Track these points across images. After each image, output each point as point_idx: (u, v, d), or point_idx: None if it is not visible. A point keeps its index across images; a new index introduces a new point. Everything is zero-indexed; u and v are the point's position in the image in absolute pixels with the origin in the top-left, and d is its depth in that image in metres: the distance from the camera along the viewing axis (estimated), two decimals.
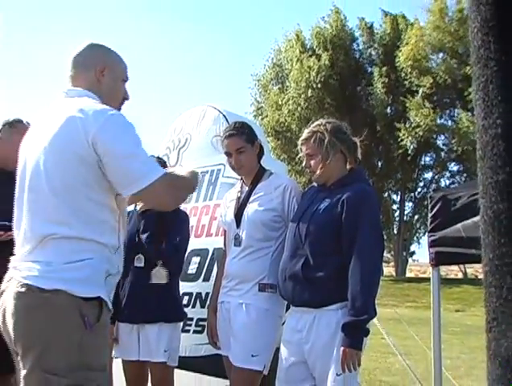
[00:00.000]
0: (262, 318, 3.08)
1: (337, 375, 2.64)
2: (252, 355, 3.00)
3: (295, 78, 34.17)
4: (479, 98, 0.97)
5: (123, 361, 3.57)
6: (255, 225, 3.14)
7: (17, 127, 3.58)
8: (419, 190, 36.31)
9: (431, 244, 3.51)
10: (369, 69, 35.53)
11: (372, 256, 2.72)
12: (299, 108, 33.81)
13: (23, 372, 1.99)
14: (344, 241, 2.73)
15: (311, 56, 34.19)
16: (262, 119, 35.99)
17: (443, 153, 34.22)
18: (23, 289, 2.00)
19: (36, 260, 2.04)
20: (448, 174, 35.71)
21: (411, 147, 30.91)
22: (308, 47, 35.74)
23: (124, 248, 3.56)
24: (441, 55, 31.87)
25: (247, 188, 3.29)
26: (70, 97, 2.26)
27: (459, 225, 3.44)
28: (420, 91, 30.80)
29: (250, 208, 3.18)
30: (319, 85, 33.20)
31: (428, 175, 36.83)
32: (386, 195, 36.07)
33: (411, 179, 35.86)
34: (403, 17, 34.97)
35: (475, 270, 34.04)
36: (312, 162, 2.96)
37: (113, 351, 3.58)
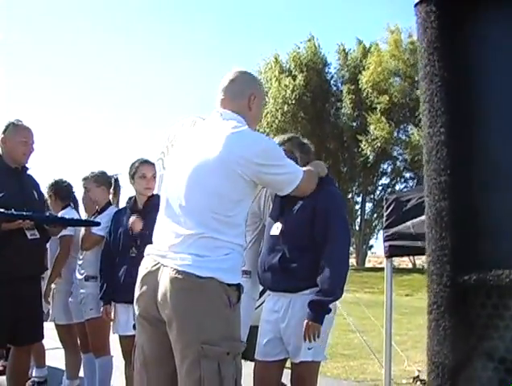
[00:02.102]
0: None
1: (309, 348, 2.68)
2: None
3: (274, 95, 34.20)
4: (425, 109, 0.96)
5: (120, 336, 3.52)
6: None
7: (19, 127, 3.53)
8: (377, 193, 36.41)
9: (386, 239, 3.51)
10: (338, 88, 35.69)
11: (341, 246, 2.75)
12: (276, 121, 33.84)
13: (179, 346, 2.11)
14: (317, 235, 2.72)
15: (287, 76, 34.32)
16: None
17: (398, 162, 34.42)
18: (180, 276, 2.11)
19: (189, 252, 2.15)
20: (402, 180, 35.87)
21: (371, 156, 31.11)
22: (285, 68, 35.80)
23: (121, 242, 3.54)
24: (396, 78, 32.15)
25: None
26: (225, 120, 2.32)
27: (409, 223, 3.45)
28: (379, 108, 31.02)
29: None
30: (294, 101, 33.36)
31: (385, 181, 36.97)
32: (349, 196, 36.17)
33: (371, 183, 36.04)
34: (377, 44, 35.09)
35: (423, 261, 34.28)
36: None
37: (111, 328, 3.53)
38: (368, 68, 31.68)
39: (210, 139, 2.25)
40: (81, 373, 4.40)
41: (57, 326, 4.46)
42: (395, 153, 33.60)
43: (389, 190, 36.01)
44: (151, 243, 3.30)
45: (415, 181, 34.30)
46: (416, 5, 1.00)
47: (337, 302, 2.88)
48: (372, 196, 37.26)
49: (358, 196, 37.66)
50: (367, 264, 37.56)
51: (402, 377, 5.54)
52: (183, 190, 2.24)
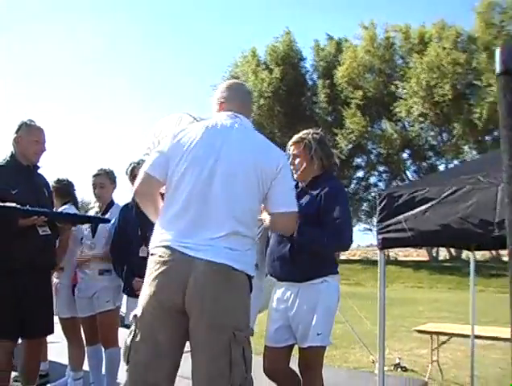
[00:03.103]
0: None
1: (317, 334, 2.88)
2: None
3: (250, 88, 34.27)
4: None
5: None
6: None
7: (32, 127, 3.62)
8: (352, 186, 36.85)
9: (379, 232, 3.72)
10: (313, 82, 36.00)
11: (345, 230, 2.97)
12: (252, 114, 33.87)
13: (211, 332, 2.23)
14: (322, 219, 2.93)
15: (264, 70, 34.50)
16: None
17: (372, 156, 34.92)
18: (219, 268, 2.26)
19: (224, 246, 2.30)
20: (376, 173, 36.36)
21: (346, 149, 31.51)
22: (262, 62, 35.94)
23: (130, 238, 3.65)
24: (370, 73, 32.52)
25: None
26: (247, 127, 2.58)
27: (401, 216, 3.66)
28: (354, 103, 31.41)
29: None
30: (270, 95, 33.63)
31: (360, 174, 37.46)
32: None
33: (346, 177, 36.46)
34: (346, 40, 35.57)
35: (395, 253, 34.92)
36: (297, 161, 3.14)
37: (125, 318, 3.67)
38: (343, 64, 32.00)
39: (243, 142, 2.46)
40: (85, 366, 4.51)
41: (61, 319, 4.53)
42: (369, 147, 34.12)
43: (363, 183, 36.55)
44: None
45: (389, 174, 34.90)
46: (499, 75, 1.30)
47: None
48: (346, 189, 37.76)
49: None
50: (341, 257, 38.10)
51: (383, 365, 5.86)
52: (218, 187, 2.34)
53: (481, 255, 34.16)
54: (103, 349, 4.18)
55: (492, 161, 3.81)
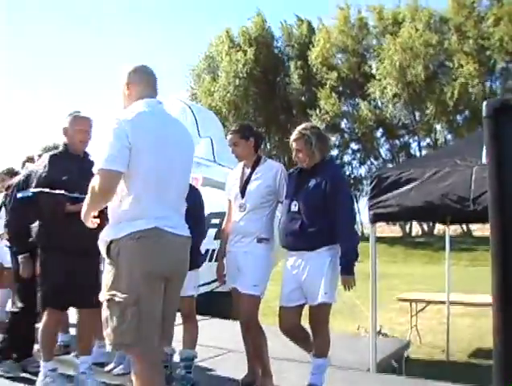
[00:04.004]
0: (260, 260, 3.75)
1: (325, 293, 3.44)
2: (254, 285, 3.68)
3: (225, 69, 34.53)
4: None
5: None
6: (256, 196, 3.77)
7: (77, 117, 3.89)
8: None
9: (370, 208, 4.31)
10: (287, 63, 36.33)
11: (349, 215, 3.52)
12: (228, 95, 34.18)
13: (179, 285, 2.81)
14: (329, 205, 3.47)
15: (238, 51, 34.67)
16: (196, 104, 36.11)
17: (346, 135, 35.53)
18: (187, 240, 2.77)
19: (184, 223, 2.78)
20: (349, 151, 37.00)
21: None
22: (236, 43, 36.11)
23: None
24: (344, 54, 32.99)
25: (248, 170, 3.89)
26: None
27: (389, 194, 4.26)
28: (328, 83, 31.93)
29: (253, 184, 3.80)
30: (245, 75, 33.81)
31: (334, 152, 38.10)
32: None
33: None
34: (320, 19, 36.02)
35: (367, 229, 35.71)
36: (300, 155, 3.67)
37: None
38: (317, 45, 32.40)
39: (177, 129, 2.81)
40: None
41: None
42: (344, 127, 34.76)
43: (338, 161, 37.25)
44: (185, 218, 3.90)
45: (362, 152, 35.64)
46: (485, 118, 1.63)
47: None
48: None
49: None
50: None
51: (366, 331, 6.47)
52: (178, 174, 2.71)
53: (452, 230, 35.26)
54: None
55: (467, 146, 4.42)
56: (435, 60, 29.30)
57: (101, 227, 2.72)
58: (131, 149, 2.48)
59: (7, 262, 5.71)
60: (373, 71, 30.28)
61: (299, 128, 3.77)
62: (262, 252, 3.76)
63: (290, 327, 3.66)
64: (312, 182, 3.57)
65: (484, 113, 1.60)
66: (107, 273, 2.60)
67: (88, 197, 2.60)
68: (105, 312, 2.59)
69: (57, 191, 3.56)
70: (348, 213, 3.51)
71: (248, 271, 3.71)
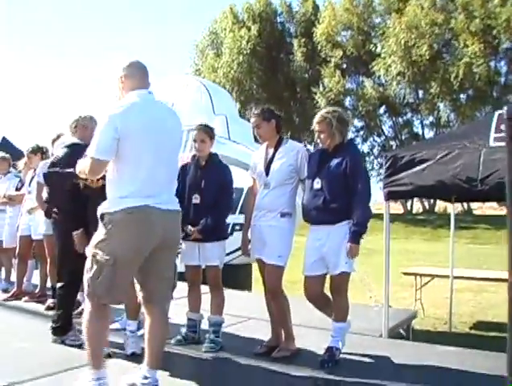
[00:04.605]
0: (283, 233, 4.05)
1: (346, 263, 3.79)
2: (278, 256, 4.00)
3: (229, 46, 34.46)
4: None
5: (186, 265, 4.40)
6: (279, 174, 4.06)
7: (94, 118, 4.30)
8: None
9: (385, 186, 4.62)
10: (290, 40, 36.23)
11: (365, 191, 3.82)
12: (232, 72, 34.16)
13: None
14: (349, 182, 3.79)
15: (242, 27, 34.59)
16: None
17: (349, 112, 35.58)
18: (178, 214, 3.23)
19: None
20: (353, 128, 37.07)
21: (324, 106, 32.14)
22: (240, 19, 36.00)
23: (187, 190, 4.32)
24: (349, 32, 32.85)
25: (272, 150, 4.17)
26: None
27: (403, 173, 4.56)
28: (332, 61, 31.94)
29: (276, 164, 4.09)
30: (248, 52, 33.72)
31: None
32: (302, 144, 37.26)
33: None
34: None
35: (377, 208, 36.03)
36: (322, 136, 3.97)
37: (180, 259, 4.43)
38: (322, 22, 32.31)
39: (165, 117, 3.19)
40: None
41: None
42: (347, 104, 34.80)
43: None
44: (214, 193, 4.22)
45: (365, 129, 35.78)
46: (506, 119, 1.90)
47: None
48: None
49: (310, 144, 38.95)
50: None
51: (376, 302, 6.82)
52: (165, 157, 3.08)
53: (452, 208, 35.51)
54: None
55: (475, 129, 4.70)
56: (441, 39, 29.21)
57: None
58: (120, 138, 2.90)
59: (37, 235, 6.07)
60: (378, 50, 30.21)
61: (321, 112, 4.07)
62: (285, 225, 4.06)
63: (314, 294, 4.01)
64: (334, 162, 3.87)
65: (504, 116, 1.88)
66: (98, 233, 3.01)
67: (78, 170, 3.14)
68: (87, 263, 3.03)
69: (66, 170, 3.86)
70: (364, 190, 3.82)
71: (273, 243, 4.02)
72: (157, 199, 2.97)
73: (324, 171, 3.89)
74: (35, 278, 6.62)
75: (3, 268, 7.17)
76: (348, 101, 34.21)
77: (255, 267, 7.62)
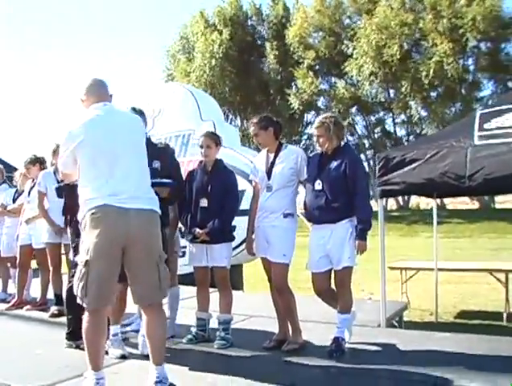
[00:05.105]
0: (286, 232, 4.28)
1: (348, 258, 4.06)
2: (283, 254, 4.23)
3: (201, 49, 34.62)
4: None
5: (195, 267, 4.61)
6: (281, 177, 4.30)
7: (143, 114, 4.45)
8: (303, 141, 38.06)
9: (379, 185, 4.91)
10: (262, 43, 36.55)
11: (365, 191, 4.11)
12: (204, 75, 34.34)
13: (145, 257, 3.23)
14: (349, 184, 4.06)
15: (213, 31, 34.76)
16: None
17: (322, 112, 36.02)
18: (145, 213, 3.32)
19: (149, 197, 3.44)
20: None
21: (299, 108, 32.59)
22: (211, 23, 36.17)
23: (194, 195, 4.52)
24: (321, 33, 33.37)
25: (272, 155, 4.40)
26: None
27: (395, 173, 4.85)
28: (305, 62, 32.36)
29: (278, 168, 4.33)
30: (221, 55, 33.94)
31: (310, 130, 38.60)
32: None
33: (297, 133, 37.54)
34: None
35: None
36: (321, 140, 4.23)
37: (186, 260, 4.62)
38: (294, 24, 32.73)
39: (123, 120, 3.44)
40: None
41: None
42: (320, 104, 35.30)
43: (314, 138, 37.74)
44: (220, 196, 4.43)
45: None
46: None
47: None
48: (298, 145, 38.96)
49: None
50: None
51: (369, 294, 7.14)
52: (127, 160, 3.26)
53: (425, 204, 36.33)
54: None
55: (460, 129, 5.01)
56: (410, 39, 29.95)
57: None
58: (78, 149, 3.21)
59: (37, 244, 6.20)
60: (350, 51, 30.73)
61: (319, 117, 4.38)
62: (288, 225, 4.29)
63: (322, 289, 4.28)
64: (333, 164, 4.14)
65: None
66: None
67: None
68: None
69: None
70: (364, 189, 4.11)
71: (277, 242, 4.26)
72: (117, 198, 3.13)
73: (325, 173, 4.15)
74: (33, 287, 6.73)
75: (0, 279, 7.26)
76: (321, 102, 34.81)
77: (246, 266, 7.87)
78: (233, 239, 4.62)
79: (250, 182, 4.87)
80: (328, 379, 3.72)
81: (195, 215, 4.50)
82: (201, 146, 4.60)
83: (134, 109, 4.43)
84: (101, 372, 3.23)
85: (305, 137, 38.55)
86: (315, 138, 4.34)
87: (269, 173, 4.37)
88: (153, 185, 3.87)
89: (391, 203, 36.86)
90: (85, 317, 3.22)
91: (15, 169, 6.86)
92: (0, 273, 7.22)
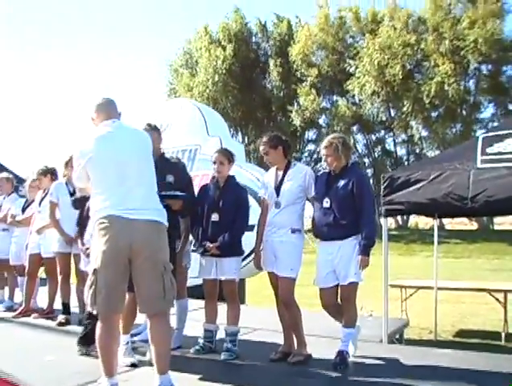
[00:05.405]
0: (294, 248, 4.42)
1: (354, 273, 4.21)
2: (291, 269, 4.37)
3: (204, 65, 35.00)
4: None
5: (204, 279, 4.72)
6: (289, 194, 4.44)
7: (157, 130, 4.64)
8: (303, 159, 38.19)
9: (384, 204, 5.07)
10: (266, 59, 36.95)
11: (370, 209, 4.25)
12: (207, 90, 34.67)
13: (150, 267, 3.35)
14: (356, 202, 4.22)
15: (217, 47, 35.16)
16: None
17: (324, 130, 36.34)
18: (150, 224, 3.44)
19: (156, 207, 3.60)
20: None
21: (300, 125, 32.89)
22: (215, 39, 36.58)
23: (206, 209, 4.65)
24: (324, 51, 33.74)
25: (281, 173, 4.55)
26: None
27: (399, 193, 5.02)
28: (308, 80, 32.72)
29: (286, 185, 4.47)
30: (224, 71, 34.34)
31: (311, 147, 38.91)
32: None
33: (298, 150, 37.76)
34: (297, 17, 36.92)
35: None
36: (329, 160, 4.39)
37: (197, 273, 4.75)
38: (298, 42, 33.12)
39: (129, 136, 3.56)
40: None
41: None
42: (321, 122, 35.62)
43: (314, 156, 38.12)
44: (231, 212, 4.57)
45: None
46: None
47: None
48: (299, 162, 38.89)
49: None
50: None
51: (368, 311, 7.24)
52: (133, 172, 3.41)
53: (423, 223, 36.51)
54: None
55: (464, 152, 5.18)
56: (413, 60, 30.34)
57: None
58: (88, 164, 3.41)
59: (46, 253, 6.33)
60: (352, 69, 31.09)
61: (328, 137, 4.53)
62: (295, 241, 4.43)
63: (329, 304, 4.42)
64: (341, 183, 4.31)
65: None
66: None
67: None
68: None
69: None
70: (370, 207, 4.25)
71: (284, 257, 4.40)
72: (123, 209, 3.28)
73: (332, 191, 4.31)
74: (39, 296, 6.84)
75: (6, 287, 7.38)
76: (322, 120, 35.10)
77: (248, 281, 7.97)
78: (242, 253, 4.75)
79: (256, 198, 5.00)
80: None
81: (206, 229, 4.64)
82: (214, 162, 4.74)
83: (149, 125, 4.58)
84: (115, 378, 3.35)
85: (306, 154, 38.81)
86: (323, 157, 4.50)
87: (278, 190, 4.51)
88: (166, 197, 4.07)
89: (390, 222, 36.74)
90: (98, 324, 3.35)
91: (16, 176, 7.03)
92: (8, 281, 7.34)
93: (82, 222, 4.59)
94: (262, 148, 4.62)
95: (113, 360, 3.37)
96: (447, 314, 8.96)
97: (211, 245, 4.57)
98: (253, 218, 4.81)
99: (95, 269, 3.29)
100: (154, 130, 4.53)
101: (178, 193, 4.44)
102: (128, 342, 4.37)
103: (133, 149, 3.50)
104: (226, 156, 4.79)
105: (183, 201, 4.43)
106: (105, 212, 3.31)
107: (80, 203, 4.63)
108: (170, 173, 4.46)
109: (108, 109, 3.65)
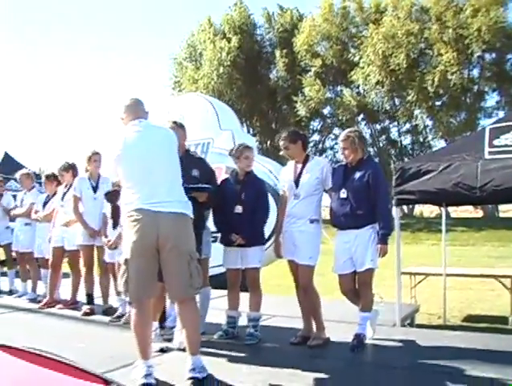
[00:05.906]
0: (312, 237, 4.65)
1: (371, 260, 4.45)
2: (310, 257, 4.60)
3: (209, 57, 35.06)
4: None
5: (228, 268, 4.95)
6: (308, 186, 4.67)
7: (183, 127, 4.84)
8: (309, 149, 38.17)
9: (395, 194, 5.30)
10: (270, 50, 37.01)
11: (386, 200, 4.53)
12: (212, 82, 34.75)
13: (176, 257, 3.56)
14: (372, 193, 4.44)
15: (222, 39, 35.21)
16: (180, 91, 36.78)
17: (328, 120, 36.49)
18: (176, 215, 3.65)
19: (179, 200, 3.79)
20: (332, 136, 37.90)
21: (305, 115, 33.01)
22: (219, 31, 36.64)
23: (228, 201, 4.88)
24: (328, 42, 33.77)
25: (300, 166, 4.77)
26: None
27: (410, 183, 5.24)
28: (312, 70, 32.81)
29: (305, 177, 4.70)
30: (229, 63, 34.41)
31: (316, 137, 39.02)
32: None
33: None
34: (297, 10, 36.99)
35: None
36: (346, 152, 4.61)
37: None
38: (303, 32, 33.16)
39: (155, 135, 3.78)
40: None
41: None
42: (326, 113, 35.72)
43: (320, 146, 38.26)
44: (253, 203, 4.80)
45: None
46: None
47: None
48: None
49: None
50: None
51: (380, 297, 7.46)
52: (161, 169, 3.66)
53: (429, 212, 36.69)
54: None
55: (472, 143, 5.39)
56: (416, 49, 30.35)
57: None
58: (119, 162, 3.71)
59: (70, 246, 6.58)
60: (357, 59, 31.15)
61: (345, 131, 4.76)
62: (314, 230, 4.65)
63: (348, 290, 4.68)
64: (357, 175, 4.54)
65: None
66: None
67: None
68: None
69: None
70: (385, 198, 4.52)
71: (304, 246, 4.62)
72: (150, 203, 3.52)
73: (349, 183, 4.54)
74: (62, 289, 7.08)
75: (29, 280, 7.65)
76: (327, 110, 35.17)
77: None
78: (265, 242, 4.99)
79: (269, 190, 5.19)
80: (351, 370, 4.10)
81: (229, 220, 4.86)
82: (238, 157, 4.96)
83: (175, 123, 4.80)
84: (150, 361, 3.59)
85: (311, 144, 38.87)
86: (340, 150, 4.73)
87: (297, 182, 4.73)
88: (192, 190, 4.31)
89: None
90: (132, 311, 3.61)
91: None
92: (31, 273, 7.60)
93: (114, 215, 4.84)
94: (282, 143, 4.84)
95: (147, 343, 3.62)
96: (454, 300, 9.15)
97: (237, 236, 4.78)
98: None
99: (126, 259, 3.55)
100: (180, 128, 4.75)
101: (203, 185, 4.65)
102: (157, 329, 4.61)
103: (159, 146, 3.72)
104: (252, 151, 5.07)
105: (208, 193, 4.64)
106: (135, 206, 3.55)
107: (112, 196, 4.89)
108: (195, 167, 4.69)
109: (136, 110, 3.88)
